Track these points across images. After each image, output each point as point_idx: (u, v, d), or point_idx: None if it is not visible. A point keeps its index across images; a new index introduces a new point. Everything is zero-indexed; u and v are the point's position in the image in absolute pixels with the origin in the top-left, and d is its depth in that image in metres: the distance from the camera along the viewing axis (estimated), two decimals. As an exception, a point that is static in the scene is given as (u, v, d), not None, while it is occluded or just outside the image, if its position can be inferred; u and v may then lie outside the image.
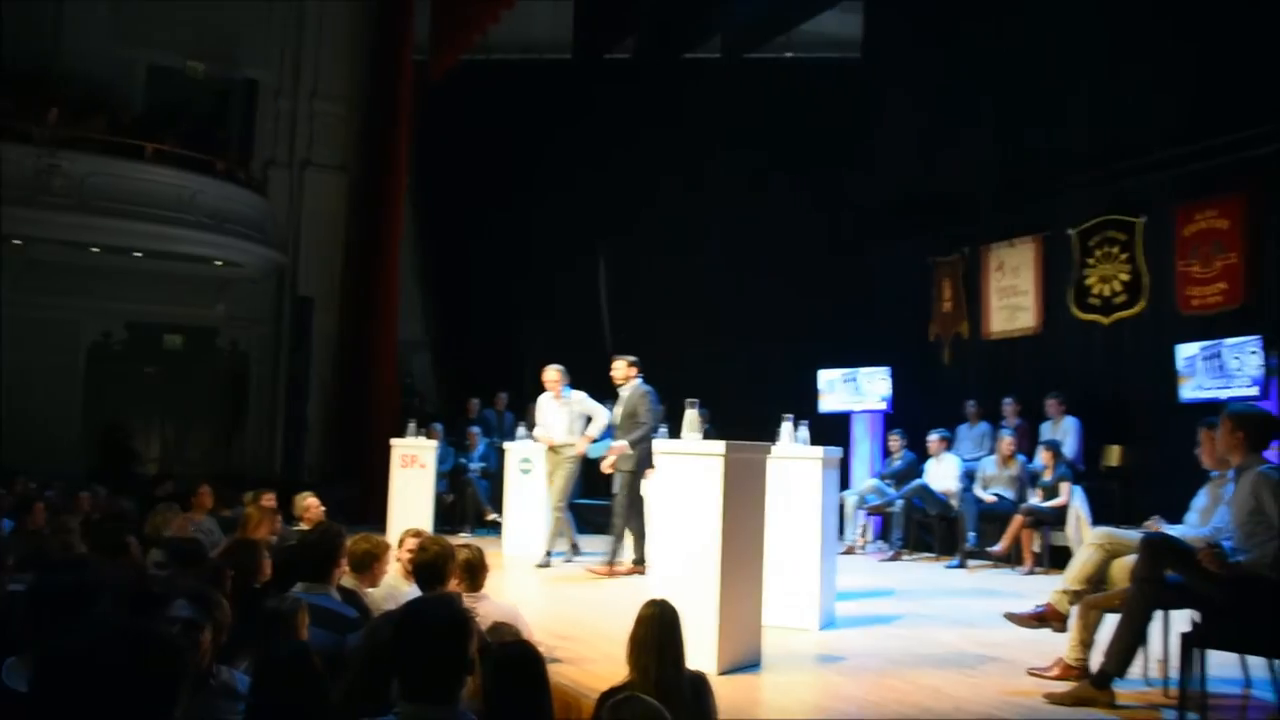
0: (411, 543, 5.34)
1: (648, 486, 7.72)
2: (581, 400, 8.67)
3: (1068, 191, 10.38)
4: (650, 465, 8.26)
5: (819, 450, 6.03)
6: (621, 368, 8.30)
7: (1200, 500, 4.65)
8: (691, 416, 5.11)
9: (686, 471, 4.79)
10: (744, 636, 4.78)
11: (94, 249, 11.76)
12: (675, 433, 5.93)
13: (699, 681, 3.36)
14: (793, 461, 5.85)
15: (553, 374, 8.79)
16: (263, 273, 13.39)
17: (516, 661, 2.68)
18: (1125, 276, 9.70)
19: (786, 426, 6.23)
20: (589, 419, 8.59)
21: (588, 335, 13.40)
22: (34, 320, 12.29)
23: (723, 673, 4.54)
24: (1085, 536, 8.28)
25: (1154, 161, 9.51)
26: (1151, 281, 9.50)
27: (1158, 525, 4.73)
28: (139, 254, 12.04)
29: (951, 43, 11.79)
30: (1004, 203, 11.00)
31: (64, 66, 12.62)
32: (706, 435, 10.59)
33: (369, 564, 4.82)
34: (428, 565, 4.23)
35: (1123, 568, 4.49)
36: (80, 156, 11.46)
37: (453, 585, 4.43)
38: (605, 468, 8.25)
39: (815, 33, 13.19)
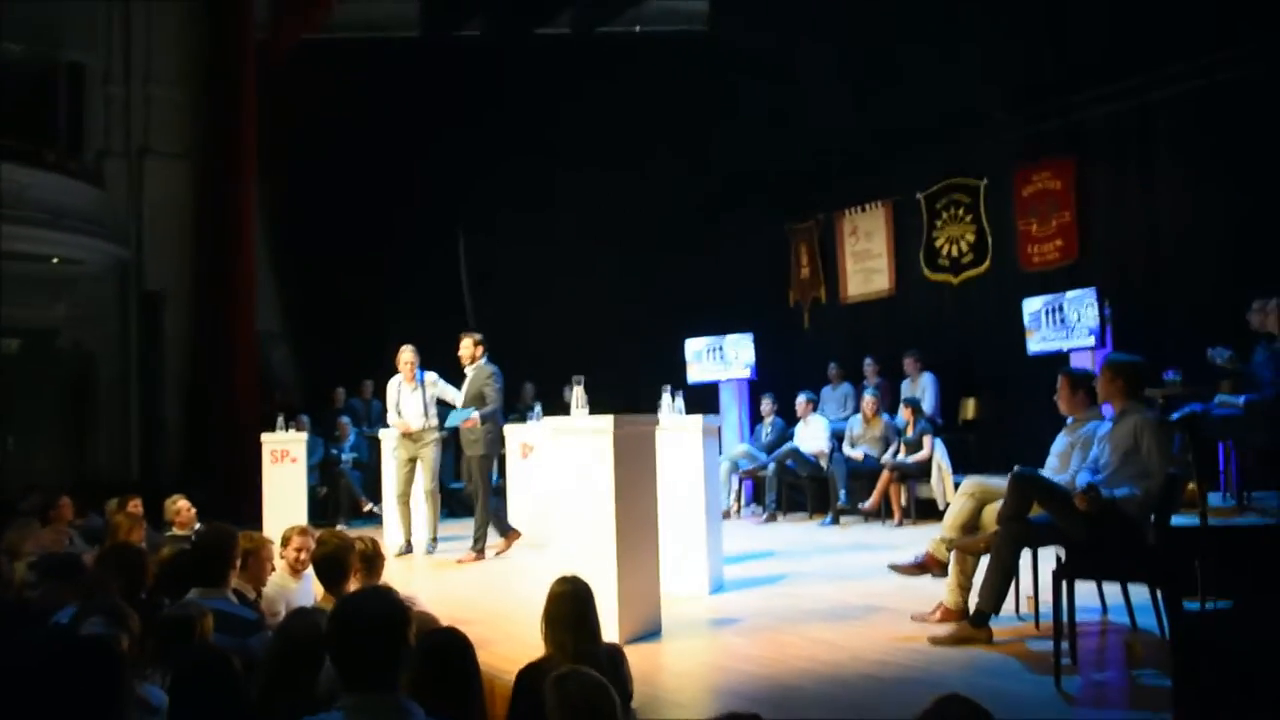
0: (298, 540, 5.26)
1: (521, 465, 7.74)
2: (435, 382, 8.45)
3: (913, 158, 10.84)
4: (501, 446, 8.31)
5: (698, 419, 6.19)
6: (468, 346, 8.18)
7: (1059, 445, 4.98)
8: (578, 393, 5.16)
9: (577, 447, 4.86)
10: (643, 607, 4.90)
11: (-87, 251, 10.96)
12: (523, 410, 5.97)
13: (615, 652, 3.46)
14: (674, 433, 5.98)
15: (407, 355, 8.51)
16: (105, 269, 12.70)
17: (448, 647, 2.71)
18: (971, 237, 10.22)
19: (666, 398, 6.36)
20: (442, 403, 8.44)
21: (451, 316, 13.27)
22: None
23: (625, 643, 4.63)
24: (947, 487, 8.79)
25: (992, 127, 10.03)
26: (994, 241, 10.04)
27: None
28: (-36, 254, 11.28)
29: (798, 14, 12.08)
30: (853, 170, 11.41)
31: None
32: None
33: (249, 563, 4.75)
34: (329, 559, 4.18)
35: (994, 514, 4.79)
36: (-115, 150, 10.65)
37: (353, 578, 4.40)
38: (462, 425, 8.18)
39: (664, 8, 13.30)
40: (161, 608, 4.28)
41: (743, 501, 10.56)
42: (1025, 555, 4.63)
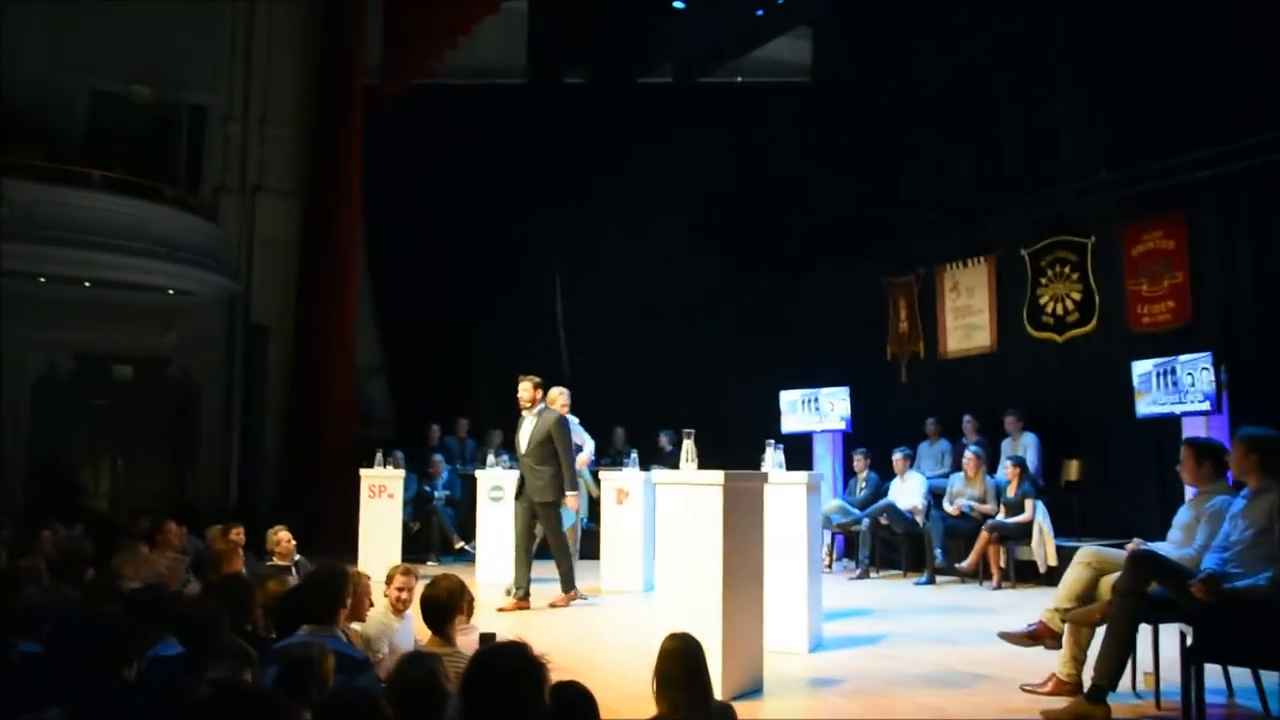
0: (401, 579, 5.30)
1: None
2: (575, 428, 8.14)
3: (1016, 212, 10.67)
4: (568, 492, 7.82)
5: (804, 475, 6.14)
6: (528, 389, 7.76)
7: (1183, 517, 4.81)
8: (688, 446, 5.16)
9: (686, 501, 4.84)
10: (746, 663, 4.84)
11: (41, 279, 11.46)
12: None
13: (727, 711, 3.41)
14: (779, 486, 5.93)
15: (561, 396, 8.14)
16: (215, 301, 13.17)
17: (577, 702, 2.70)
18: (1077, 295, 9.99)
19: (770, 452, 6.32)
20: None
21: (544, 360, 13.40)
22: (-23, 353, 11.97)
23: (727, 700, 4.57)
24: (1049, 550, 8.56)
25: (1098, 183, 9.82)
26: (1102, 300, 9.80)
27: (1140, 545, 4.87)
28: (88, 283, 11.77)
29: (901, 65, 12.09)
30: (955, 224, 11.26)
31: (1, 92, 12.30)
32: (671, 460, 10.72)
33: (351, 600, 4.78)
34: (437, 602, 4.21)
35: (1110, 584, 4.64)
36: (24, 184, 11.17)
37: (459, 620, 4.43)
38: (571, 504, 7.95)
39: (766, 58, 13.40)
40: (270, 642, 4.36)
41: (834, 556, 10.40)
42: (1143, 629, 4.48)
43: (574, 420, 8.17)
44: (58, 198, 11.35)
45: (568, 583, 7.90)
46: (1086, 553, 4.88)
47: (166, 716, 2.74)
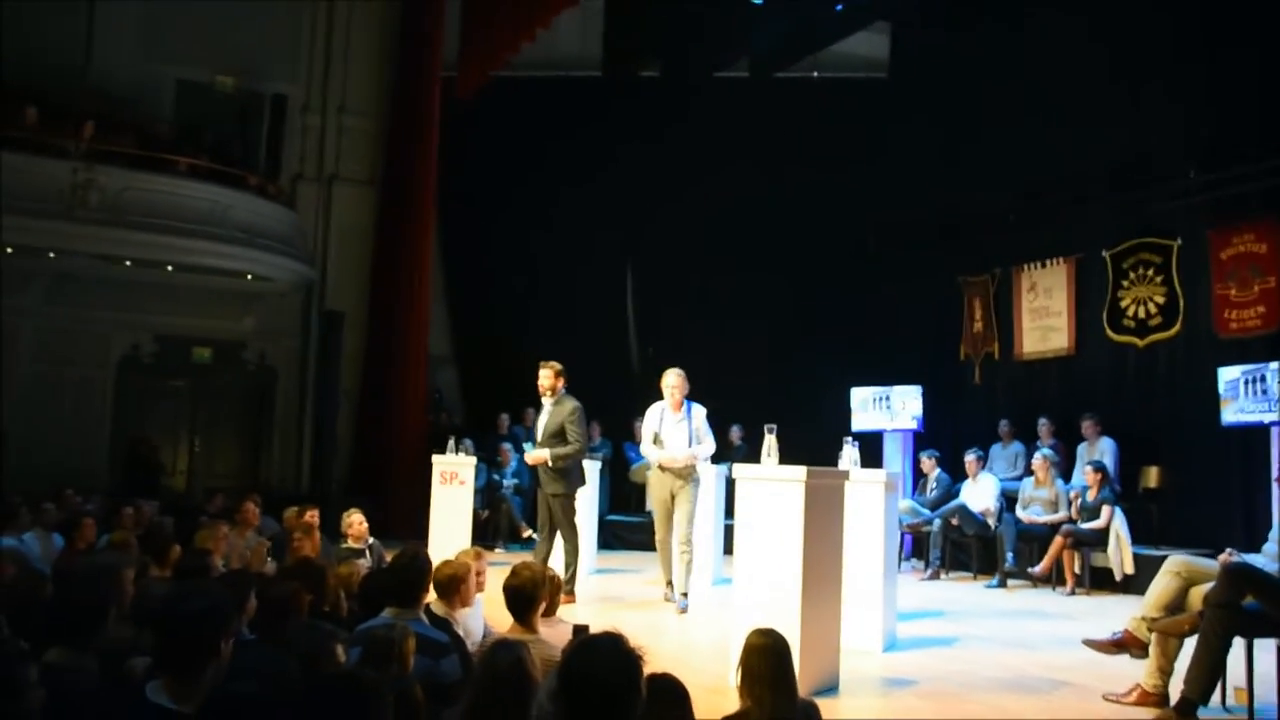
0: (476, 564, 5.38)
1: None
2: (699, 416, 7.45)
3: (1097, 213, 10.46)
4: (581, 484, 7.64)
5: (881, 473, 6.09)
6: (549, 376, 7.48)
7: (1280, 529, 4.69)
8: (769, 441, 5.14)
9: (767, 496, 4.83)
10: (824, 660, 4.83)
11: (126, 262, 11.79)
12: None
13: (810, 709, 3.40)
14: (857, 484, 5.88)
15: (673, 380, 7.49)
16: (292, 287, 13.42)
17: (670, 693, 2.71)
18: (1160, 299, 9.77)
19: (847, 449, 6.27)
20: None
21: (615, 351, 13.46)
22: (64, 332, 12.36)
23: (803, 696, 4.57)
24: (1126, 557, 8.40)
25: (1187, 185, 9.59)
26: (1186, 304, 9.57)
27: (1233, 556, 4.76)
28: (170, 268, 12.08)
29: (980, 61, 11.89)
30: (1033, 223, 11.07)
31: (94, 82, 12.68)
32: (743, 455, 10.70)
33: (454, 587, 4.82)
34: (522, 591, 4.24)
35: (1200, 595, 4.54)
36: (114, 171, 11.49)
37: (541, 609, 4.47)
38: (528, 459, 7.75)
39: (842, 53, 13.27)
40: (353, 623, 4.44)
41: (902, 556, 10.30)
42: (1236, 643, 4.37)
43: (702, 411, 7.52)
44: (145, 184, 11.66)
45: (569, 584, 7.24)
46: (1176, 562, 4.78)
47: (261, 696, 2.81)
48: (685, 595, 7.23)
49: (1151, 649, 4.62)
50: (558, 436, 7.39)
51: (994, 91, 11.64)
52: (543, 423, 7.57)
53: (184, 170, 12.07)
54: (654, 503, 7.58)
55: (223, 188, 12.27)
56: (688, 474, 7.33)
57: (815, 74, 13.48)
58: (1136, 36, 10.12)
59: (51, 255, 11.39)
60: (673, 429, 7.37)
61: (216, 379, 13.60)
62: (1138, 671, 4.68)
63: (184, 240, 11.78)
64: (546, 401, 7.56)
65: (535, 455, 7.53)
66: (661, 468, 7.40)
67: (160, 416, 13.32)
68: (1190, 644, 4.44)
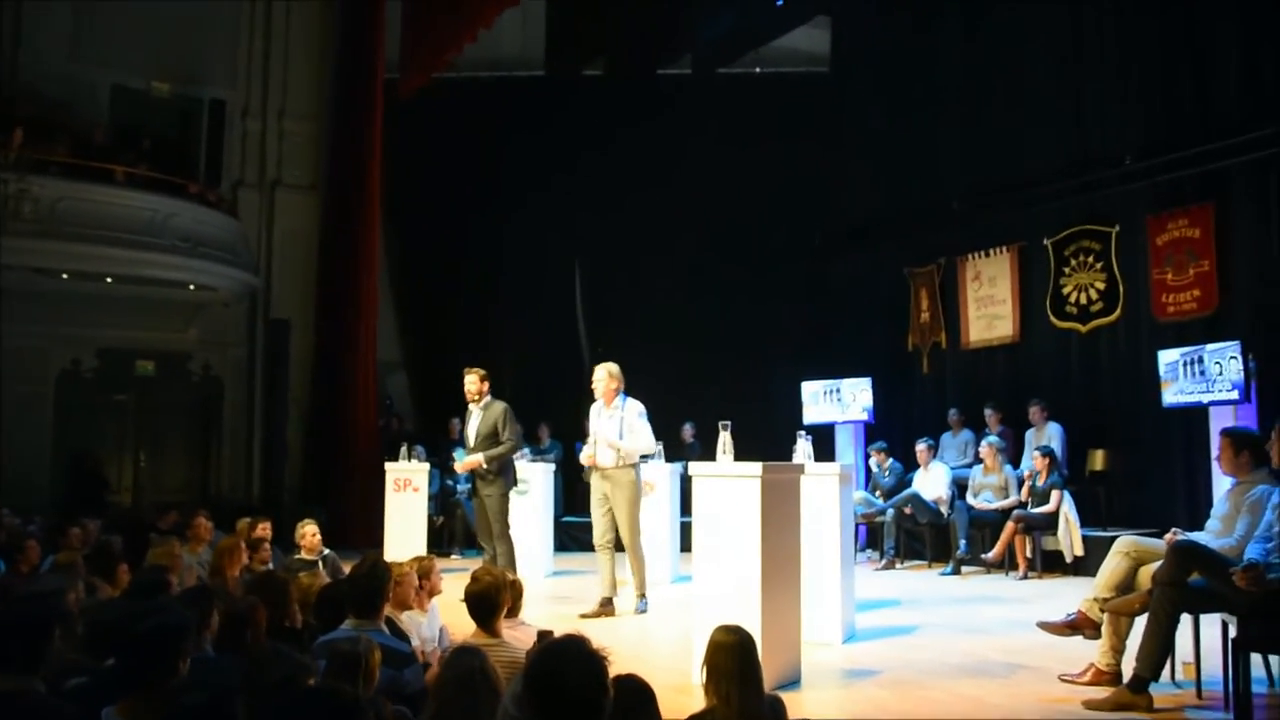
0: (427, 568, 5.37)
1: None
2: (632, 411, 7.23)
3: (1040, 202, 10.63)
4: (514, 485, 7.73)
5: (836, 466, 6.15)
6: (475, 381, 7.63)
7: (1221, 508, 4.80)
8: (724, 438, 5.16)
9: (723, 493, 4.85)
10: (784, 654, 4.86)
11: (64, 275, 11.51)
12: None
13: (777, 704, 3.41)
14: (812, 478, 5.93)
15: (599, 373, 7.33)
16: (236, 296, 13.21)
17: (636, 695, 2.71)
18: (1101, 285, 9.96)
19: (801, 443, 6.32)
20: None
21: (566, 350, 13.43)
22: (1, 349, 12.02)
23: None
24: (1075, 540, 8.56)
25: (1125, 173, 9.78)
26: (1126, 289, 9.77)
27: (1178, 535, 4.86)
28: (110, 279, 11.81)
29: (921, 54, 12.04)
30: (977, 213, 11.23)
31: (23, 87, 12.35)
32: (696, 453, 10.72)
33: (395, 591, 4.81)
34: (483, 596, 4.22)
35: (1149, 574, 4.63)
36: (49, 181, 11.21)
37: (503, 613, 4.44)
38: (459, 468, 7.87)
39: (785, 48, 13.37)
40: (313, 637, 4.39)
41: (856, 547, 10.39)
42: (1183, 619, 4.48)
43: (636, 406, 7.29)
44: (81, 194, 11.38)
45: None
46: (1125, 542, 4.88)
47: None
48: (643, 597, 7.17)
49: (1104, 629, 4.70)
50: (490, 438, 7.46)
51: (935, 83, 11.80)
52: (473, 428, 7.65)
53: (121, 179, 11.81)
54: (592, 504, 7.33)
55: (162, 196, 12.03)
56: (621, 475, 7.12)
57: (758, 69, 13.56)
58: (1076, 25, 10.29)
59: (-16, 270, 11.10)
60: (604, 425, 7.21)
61: (161, 392, 13.34)
62: (1091, 652, 4.77)
63: (123, 251, 11.52)
64: (474, 407, 7.66)
65: (468, 461, 7.60)
66: (593, 467, 7.25)
67: (104, 432, 13.04)
68: (1140, 622, 4.53)
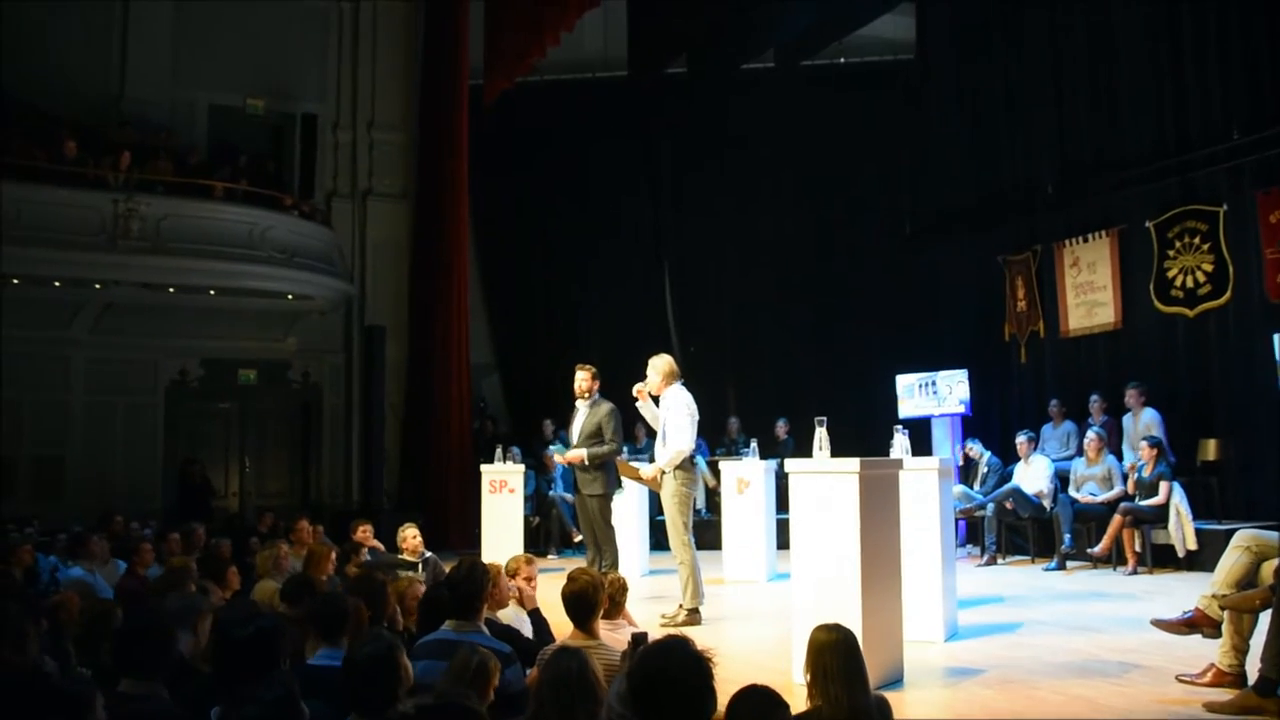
0: (527, 570, 5.40)
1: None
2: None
3: (1138, 184, 10.28)
4: (619, 487, 7.59)
5: (935, 461, 6.03)
6: (585, 379, 7.48)
7: (1349, 498, 4.57)
8: (820, 434, 5.09)
9: (821, 490, 4.78)
10: (886, 653, 4.77)
11: (170, 289, 11.93)
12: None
13: (883, 704, 3.34)
14: (911, 473, 5.82)
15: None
16: (332, 304, 13.53)
17: (767, 702, 2.65)
18: (1209, 267, 9.59)
19: (898, 438, 6.21)
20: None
21: (657, 350, 13.39)
22: (113, 361, 12.52)
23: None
24: (1188, 534, 8.24)
25: (1231, 148, 9.40)
26: (1236, 270, 9.39)
27: (1302, 525, 4.65)
28: (212, 291, 12.21)
29: (1011, 37, 11.75)
30: (1074, 198, 10.91)
31: (128, 111, 12.86)
32: (790, 449, 10.64)
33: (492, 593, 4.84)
34: (580, 596, 4.23)
35: (1272, 569, 4.43)
36: (153, 199, 11.63)
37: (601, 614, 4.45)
38: (560, 460, 7.78)
39: (868, 37, 13.18)
40: (413, 639, 4.45)
41: (956, 542, 10.18)
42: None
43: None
44: (184, 211, 11.78)
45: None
46: (1245, 536, 4.67)
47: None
48: (694, 610, 6.66)
49: (1225, 627, 4.51)
50: (594, 437, 7.37)
51: (1023, 65, 11.51)
52: (578, 425, 7.55)
53: (220, 195, 12.18)
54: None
55: (259, 209, 12.37)
56: (666, 480, 6.89)
57: (842, 59, 13.39)
58: (1173, 3, 9.93)
59: (97, 286, 11.56)
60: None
61: (263, 399, 13.74)
62: (1211, 651, 4.57)
63: (224, 264, 11.89)
64: (582, 404, 7.55)
65: (571, 454, 7.54)
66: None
67: (209, 439, 13.47)
68: (1265, 620, 4.34)
